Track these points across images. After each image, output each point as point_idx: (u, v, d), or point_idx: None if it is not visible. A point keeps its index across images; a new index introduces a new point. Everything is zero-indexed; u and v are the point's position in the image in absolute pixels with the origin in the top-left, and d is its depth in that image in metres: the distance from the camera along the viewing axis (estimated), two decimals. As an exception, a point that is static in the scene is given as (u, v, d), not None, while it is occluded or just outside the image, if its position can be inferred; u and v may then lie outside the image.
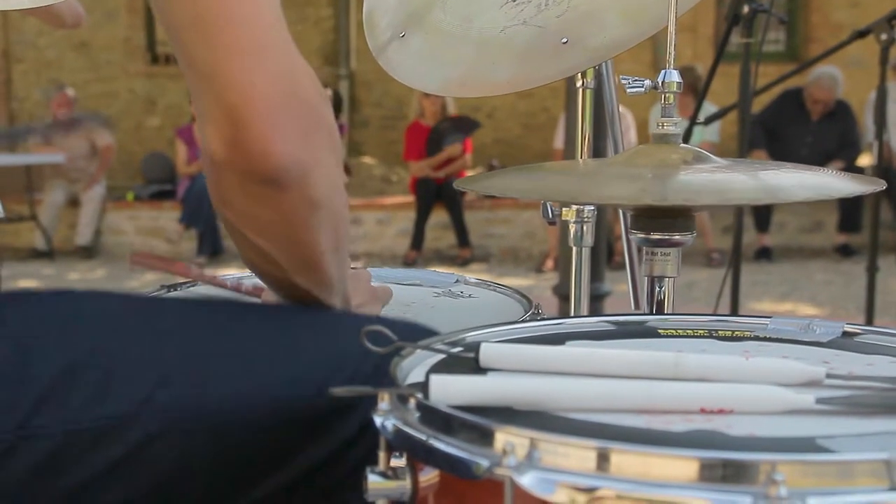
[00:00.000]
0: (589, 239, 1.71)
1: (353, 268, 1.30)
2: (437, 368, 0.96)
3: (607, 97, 1.72)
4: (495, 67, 1.51)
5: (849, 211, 8.01)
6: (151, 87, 11.22)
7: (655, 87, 1.26)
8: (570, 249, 1.73)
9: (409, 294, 1.54)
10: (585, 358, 0.94)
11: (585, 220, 1.68)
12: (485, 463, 0.75)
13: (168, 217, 9.05)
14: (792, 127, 8.16)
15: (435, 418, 0.81)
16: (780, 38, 11.17)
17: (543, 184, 1.26)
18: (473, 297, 1.54)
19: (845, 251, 8.13)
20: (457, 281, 1.62)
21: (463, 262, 8.27)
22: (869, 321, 3.46)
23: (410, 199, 8.71)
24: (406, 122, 9.23)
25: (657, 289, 1.29)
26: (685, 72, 7.91)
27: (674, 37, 1.23)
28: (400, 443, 0.83)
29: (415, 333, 1.05)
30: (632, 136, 7.73)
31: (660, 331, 1.11)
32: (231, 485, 1.02)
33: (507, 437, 0.75)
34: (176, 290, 1.54)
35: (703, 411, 0.84)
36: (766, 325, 1.11)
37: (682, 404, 0.85)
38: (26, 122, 10.33)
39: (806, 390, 0.87)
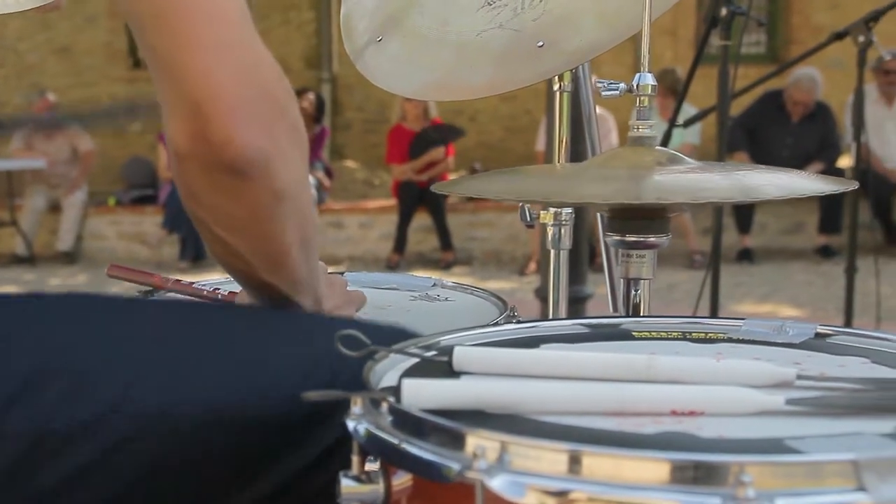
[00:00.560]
0: (567, 242, 1.71)
1: (329, 273, 1.30)
2: (411, 372, 0.96)
3: (584, 100, 1.72)
4: (472, 71, 1.52)
5: (829, 212, 8.04)
6: (133, 91, 11.18)
7: (630, 91, 1.27)
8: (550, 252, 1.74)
9: (386, 298, 1.54)
10: (558, 361, 0.94)
11: (563, 223, 1.69)
12: (456, 466, 0.75)
13: (150, 222, 9.02)
14: (772, 128, 8.19)
15: (407, 422, 0.82)
16: (760, 39, 11.21)
17: (519, 186, 1.27)
18: (450, 300, 1.54)
19: (826, 252, 8.16)
20: (434, 284, 1.62)
21: (446, 266, 8.27)
22: (848, 322, 3.47)
23: (393, 202, 8.71)
24: (388, 126, 9.23)
25: (633, 291, 1.30)
26: (665, 74, 7.98)
27: (648, 40, 1.24)
28: (372, 447, 0.84)
29: (391, 335, 1.05)
30: (613, 138, 7.75)
31: (634, 333, 1.12)
32: (206, 491, 1.01)
33: (478, 441, 0.76)
34: (154, 295, 1.54)
35: (673, 413, 0.85)
36: (740, 326, 1.11)
37: (653, 406, 0.85)
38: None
39: (776, 391, 0.87)
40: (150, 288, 1.51)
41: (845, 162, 8.34)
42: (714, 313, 3.28)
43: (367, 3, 1.68)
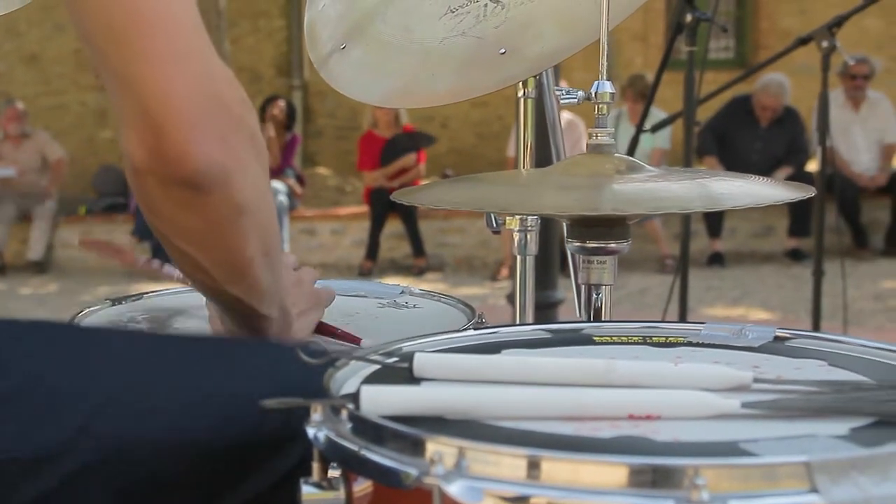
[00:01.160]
0: (533, 247, 1.72)
1: (296, 268, 1.30)
2: (371, 379, 0.96)
3: (548, 106, 1.73)
4: (435, 78, 1.52)
5: (799, 216, 8.09)
6: (103, 99, 11.11)
7: (589, 99, 1.28)
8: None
9: (354, 305, 1.54)
10: (517, 366, 0.95)
11: (529, 228, 1.69)
12: (414, 472, 0.75)
13: (122, 230, 8.97)
14: (741, 133, 8.24)
15: (366, 429, 0.82)
16: (729, 45, 11.29)
17: (480, 195, 1.27)
18: (418, 307, 1.55)
19: (795, 255, 8.21)
20: (402, 292, 1.63)
21: (418, 272, 8.27)
22: (815, 325, 3.50)
23: (365, 209, 8.70)
24: (360, 133, 9.22)
25: (594, 296, 1.31)
26: (635, 80, 8.02)
27: (606, 48, 1.25)
28: (332, 454, 0.84)
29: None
30: (583, 145, 7.74)
31: (595, 338, 1.12)
32: None
33: (436, 447, 0.76)
34: (121, 303, 1.54)
35: (631, 417, 0.85)
36: (700, 331, 1.12)
37: (611, 411, 0.86)
38: None
39: (733, 395, 0.88)
40: (116, 300, 1.51)
41: (814, 166, 8.40)
42: (682, 317, 3.30)
43: (330, 11, 1.69)
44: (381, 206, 8.38)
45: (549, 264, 3.99)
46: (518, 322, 1.75)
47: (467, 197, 1.25)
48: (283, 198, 8.46)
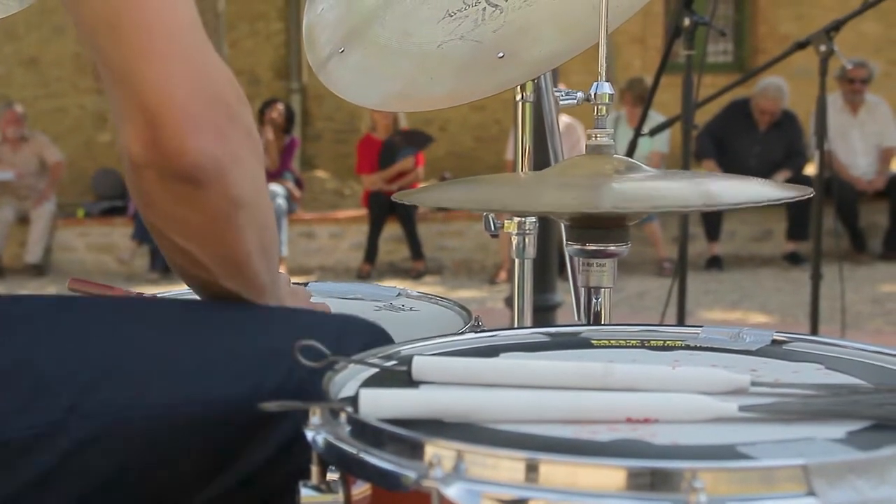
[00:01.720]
0: (531, 251, 1.72)
1: (293, 283, 1.30)
2: (370, 382, 0.97)
3: (546, 110, 1.73)
4: (434, 82, 1.53)
5: (797, 219, 8.09)
6: (101, 102, 11.12)
7: (588, 100, 1.28)
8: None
9: (351, 308, 1.54)
10: (515, 370, 0.95)
11: (527, 231, 1.70)
12: (412, 475, 0.75)
13: (120, 233, 8.98)
14: (740, 137, 8.25)
15: (365, 432, 0.82)
16: (728, 49, 11.30)
17: (479, 195, 1.27)
18: (415, 310, 1.55)
19: (794, 259, 8.22)
20: (399, 294, 1.63)
21: (416, 275, 8.27)
22: (814, 329, 3.50)
23: (363, 212, 8.71)
24: (358, 136, 9.23)
25: (594, 299, 1.31)
26: (633, 83, 8.02)
27: (605, 50, 1.25)
28: (331, 457, 0.84)
29: (350, 325, 1.06)
30: (581, 148, 7.75)
31: (593, 341, 1.12)
32: (167, 491, 1.02)
33: (434, 450, 0.76)
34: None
35: (628, 420, 0.85)
36: (698, 334, 1.13)
37: (609, 414, 0.86)
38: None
39: (730, 398, 0.88)
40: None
41: (813, 169, 8.40)
42: (681, 321, 3.30)
43: (328, 15, 1.69)
44: (380, 209, 8.38)
45: (548, 267, 3.98)
46: (516, 325, 1.75)
47: (467, 197, 1.25)
48: (281, 201, 8.46)
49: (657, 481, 0.72)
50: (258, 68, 11.15)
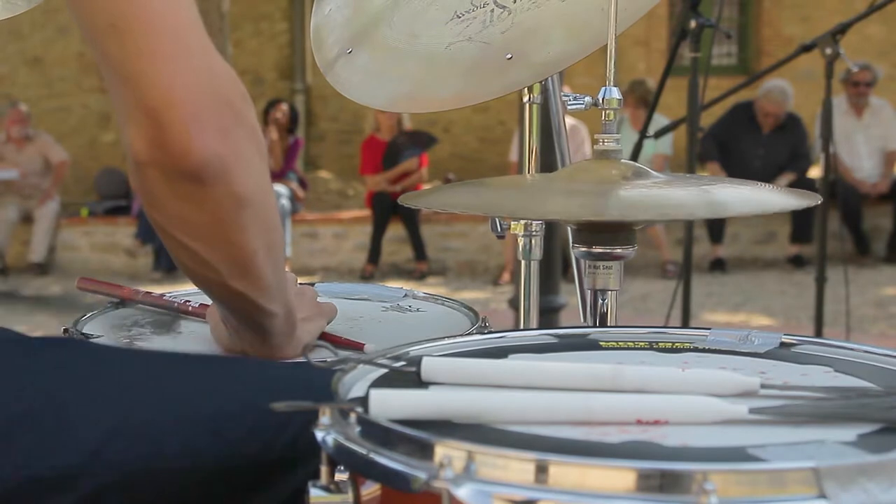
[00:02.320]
0: (538, 252, 1.72)
1: (299, 284, 1.31)
2: (380, 383, 0.97)
3: (554, 112, 1.73)
4: (441, 83, 1.52)
5: (801, 222, 8.09)
6: (105, 102, 11.12)
7: (596, 105, 1.28)
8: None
9: (357, 309, 1.54)
10: (525, 371, 0.95)
11: (534, 233, 1.69)
12: (423, 476, 0.76)
13: (123, 233, 8.98)
14: (744, 140, 8.25)
15: (375, 432, 0.82)
16: (732, 51, 11.30)
17: (486, 199, 1.27)
18: (421, 311, 1.55)
19: (797, 262, 8.21)
20: (405, 295, 1.63)
21: (420, 276, 8.27)
22: (818, 331, 3.50)
23: (367, 213, 8.71)
24: (362, 137, 9.23)
25: (600, 301, 1.31)
26: (637, 85, 8.02)
27: (614, 55, 1.25)
28: (341, 457, 0.84)
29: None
30: (586, 149, 7.77)
31: (601, 343, 1.12)
32: None
33: (444, 451, 0.76)
34: (124, 305, 1.54)
35: (639, 422, 0.85)
36: (706, 336, 1.13)
37: (619, 416, 0.86)
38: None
39: (740, 401, 0.88)
40: (120, 300, 1.51)
41: (816, 172, 8.40)
42: (685, 323, 3.30)
43: (336, 15, 1.69)
44: (384, 209, 8.39)
45: (552, 269, 3.99)
46: (523, 327, 1.75)
47: (474, 201, 1.25)
48: (285, 201, 8.46)
49: (667, 483, 0.72)
50: (262, 68, 11.16)
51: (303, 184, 9.29)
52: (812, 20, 10.54)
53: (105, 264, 8.93)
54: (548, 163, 1.77)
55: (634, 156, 3.32)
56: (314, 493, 0.86)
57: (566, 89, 1.70)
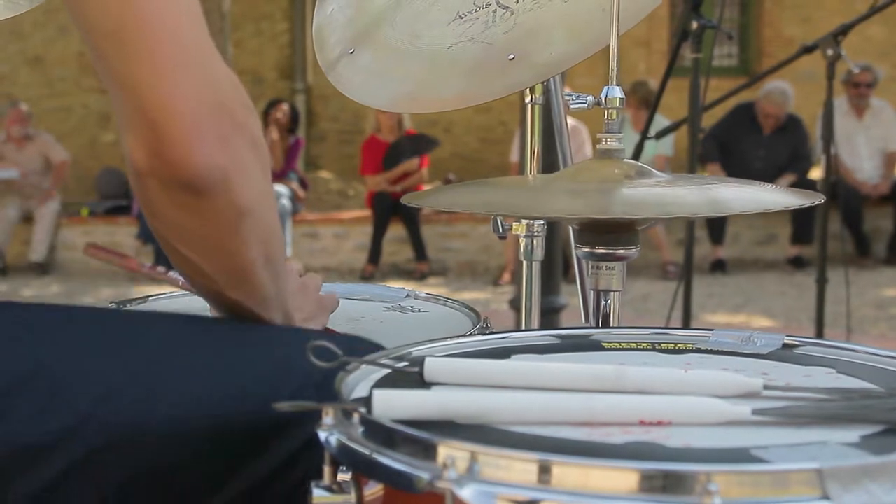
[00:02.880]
0: (539, 253, 1.72)
1: (301, 275, 1.30)
2: (382, 383, 0.97)
3: (555, 112, 1.73)
4: (443, 83, 1.52)
5: (801, 223, 8.09)
6: (106, 102, 11.12)
7: (599, 104, 1.28)
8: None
9: (359, 309, 1.55)
10: (528, 371, 0.95)
11: (535, 234, 1.70)
12: (426, 476, 0.76)
13: (124, 233, 8.98)
14: (745, 140, 8.25)
15: (378, 433, 0.82)
16: (733, 52, 11.30)
17: (489, 198, 1.27)
18: (423, 311, 1.55)
19: (798, 263, 8.21)
20: (407, 296, 1.63)
21: (420, 276, 8.27)
22: (819, 333, 3.50)
23: (367, 213, 8.71)
24: (363, 137, 9.23)
25: (603, 302, 1.31)
26: (638, 86, 8.02)
27: (617, 54, 1.25)
28: (344, 457, 0.84)
29: (356, 347, 1.06)
30: (587, 150, 7.78)
31: (604, 344, 1.12)
32: (178, 499, 1.02)
33: (448, 451, 0.76)
34: (126, 305, 1.54)
35: (642, 423, 0.86)
36: (708, 337, 1.13)
37: (622, 416, 0.86)
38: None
39: (743, 402, 0.88)
40: (125, 270, 1.50)
41: (817, 173, 8.40)
42: (686, 324, 3.30)
43: (338, 15, 1.69)
44: (384, 210, 8.39)
45: (553, 270, 3.99)
46: (525, 327, 1.75)
47: (478, 201, 1.25)
48: (285, 201, 8.46)
49: (670, 484, 0.72)
50: (263, 68, 11.16)
51: (303, 184, 9.29)
52: (813, 21, 10.54)
53: (105, 264, 8.90)
54: (549, 163, 1.78)
55: (636, 156, 3.32)
56: (317, 493, 0.86)
57: (567, 90, 1.70)
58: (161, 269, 1.44)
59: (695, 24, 3.01)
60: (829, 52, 3.22)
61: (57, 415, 0.95)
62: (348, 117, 11.06)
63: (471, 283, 8.14)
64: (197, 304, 1.47)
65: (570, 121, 7.59)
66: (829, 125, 3.38)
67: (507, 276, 7.83)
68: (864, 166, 8.50)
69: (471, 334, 1.18)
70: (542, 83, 1.66)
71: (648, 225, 1.33)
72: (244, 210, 1.01)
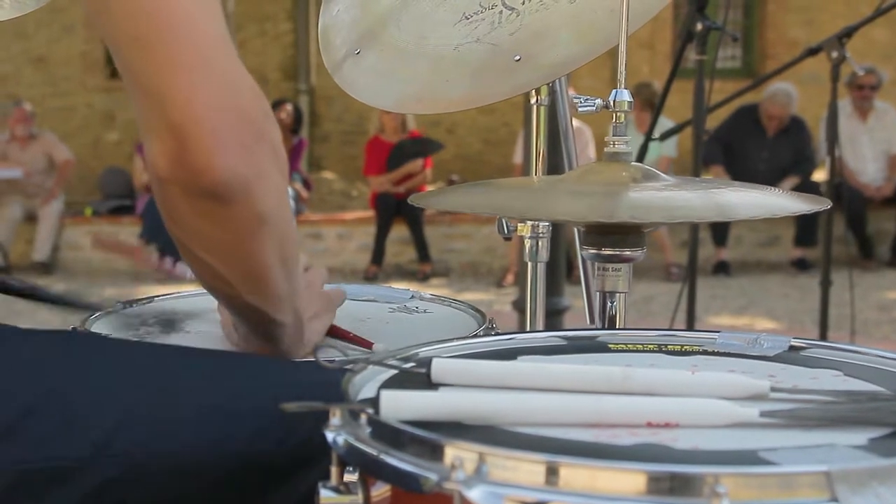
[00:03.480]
0: (544, 254, 1.72)
1: (307, 268, 1.30)
2: (389, 384, 0.97)
3: (561, 114, 1.73)
4: (449, 84, 1.52)
5: (805, 225, 8.09)
6: (110, 101, 11.15)
7: (607, 107, 1.28)
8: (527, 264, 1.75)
9: (364, 310, 1.54)
10: (535, 373, 0.95)
11: (540, 235, 1.69)
12: (434, 477, 0.75)
13: (127, 232, 8.98)
14: (748, 142, 8.25)
15: (385, 433, 0.82)
16: (736, 54, 11.29)
17: (495, 200, 1.27)
18: (428, 312, 1.55)
19: (801, 265, 8.21)
20: (412, 297, 1.63)
21: (423, 277, 8.27)
22: (823, 335, 3.50)
23: (371, 214, 8.71)
24: (366, 138, 9.23)
25: (609, 304, 1.31)
26: (641, 88, 8.02)
27: (624, 56, 1.25)
28: (351, 458, 0.84)
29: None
30: (590, 151, 7.78)
31: (610, 345, 1.12)
32: None
33: (455, 452, 0.76)
34: (132, 305, 1.54)
35: (649, 425, 0.85)
36: (715, 339, 1.12)
37: (629, 418, 0.86)
38: None
39: (750, 404, 0.88)
40: (132, 262, 1.50)
41: (820, 175, 8.40)
42: (690, 326, 3.30)
43: (344, 16, 1.69)
44: (387, 210, 8.39)
45: (556, 271, 3.99)
46: (529, 328, 1.75)
47: (484, 202, 1.25)
48: (290, 204, 8.46)
49: (678, 485, 0.72)
50: (266, 69, 11.16)
51: (307, 184, 9.30)
52: (816, 24, 10.54)
53: (108, 263, 8.92)
54: (554, 165, 1.77)
55: (639, 158, 3.32)
56: (324, 493, 0.86)
57: (571, 92, 1.70)
58: (168, 262, 1.44)
59: (699, 26, 3.02)
60: (834, 54, 3.22)
61: (71, 442, 0.95)
62: (352, 118, 11.06)
63: (473, 284, 8.14)
64: (202, 304, 1.47)
65: (574, 122, 7.58)
66: (834, 127, 3.38)
67: (510, 278, 7.84)
68: (867, 169, 8.50)
69: (477, 335, 1.18)
70: (548, 84, 1.66)
71: (654, 227, 1.32)
72: (264, 217, 1.01)
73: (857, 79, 7.82)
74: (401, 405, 0.85)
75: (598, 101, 1.32)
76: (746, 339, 1.11)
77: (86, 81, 11.19)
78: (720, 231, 8.20)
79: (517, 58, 1.47)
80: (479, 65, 1.51)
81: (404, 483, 0.79)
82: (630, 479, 0.73)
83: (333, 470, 0.87)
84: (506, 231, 1.69)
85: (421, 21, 1.59)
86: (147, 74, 0.95)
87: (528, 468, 0.74)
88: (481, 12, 1.54)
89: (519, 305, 4.18)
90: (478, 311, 1.50)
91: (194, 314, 1.48)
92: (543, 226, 1.68)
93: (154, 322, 1.45)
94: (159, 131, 0.95)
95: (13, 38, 10.96)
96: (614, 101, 1.28)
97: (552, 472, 0.74)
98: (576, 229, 1.66)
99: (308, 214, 9.10)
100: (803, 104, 8.51)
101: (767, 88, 8.13)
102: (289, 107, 9.22)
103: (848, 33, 3.23)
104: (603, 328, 1.30)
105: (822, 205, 1.21)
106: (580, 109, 1.32)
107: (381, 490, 0.86)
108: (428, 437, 0.78)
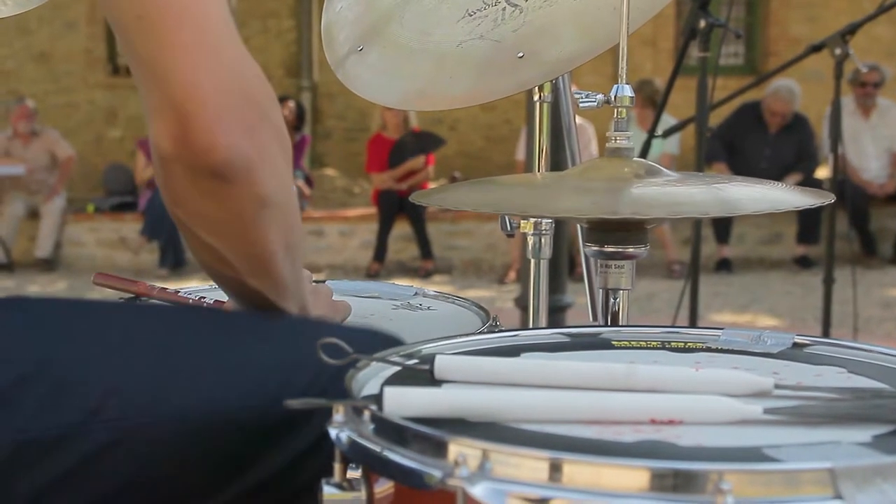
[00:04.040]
0: (547, 251, 1.72)
1: (314, 282, 1.31)
2: (393, 380, 0.97)
3: (564, 110, 1.73)
4: (452, 81, 1.52)
5: (807, 223, 8.09)
6: (112, 98, 11.16)
7: (608, 102, 1.28)
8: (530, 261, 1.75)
9: (368, 306, 1.54)
10: (538, 370, 0.95)
11: (543, 232, 1.69)
12: (437, 474, 0.75)
13: (129, 229, 8.99)
14: (750, 139, 8.24)
15: (389, 430, 0.82)
16: (739, 51, 11.28)
17: (498, 197, 1.27)
18: (432, 309, 1.55)
19: (804, 262, 8.21)
20: (415, 293, 1.63)
21: (426, 274, 8.27)
22: (825, 332, 3.50)
23: (373, 210, 8.71)
24: (369, 134, 9.23)
25: (612, 301, 1.31)
26: (644, 85, 8.01)
27: (626, 52, 1.25)
28: (355, 454, 0.84)
29: (373, 339, 1.06)
30: (593, 148, 7.78)
31: (613, 342, 1.12)
32: (186, 495, 1.02)
33: (459, 449, 0.76)
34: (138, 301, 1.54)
35: (653, 422, 0.85)
36: (718, 336, 1.12)
37: (633, 415, 0.86)
38: None
39: (754, 401, 0.88)
40: (135, 296, 1.51)
41: (823, 173, 8.40)
42: (693, 323, 3.30)
43: (347, 13, 1.69)
44: (390, 207, 8.39)
45: (559, 268, 3.99)
46: (533, 325, 1.75)
47: (487, 199, 1.25)
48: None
49: (682, 483, 0.72)
50: (269, 66, 11.15)
51: (309, 181, 9.30)
52: (819, 20, 10.53)
53: (111, 260, 8.94)
54: (556, 161, 1.77)
55: (643, 155, 3.32)
56: (327, 490, 0.86)
57: (574, 88, 1.69)
58: (171, 290, 1.45)
59: (703, 23, 3.01)
60: (837, 51, 3.21)
61: (65, 410, 0.95)
62: (354, 115, 11.06)
63: (476, 281, 8.14)
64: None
65: (577, 119, 7.58)
66: (837, 124, 3.38)
67: (512, 275, 7.83)
68: (870, 166, 8.49)
69: (480, 332, 1.18)
70: (551, 81, 1.66)
71: (658, 223, 1.32)
72: (266, 198, 1.02)
73: (860, 76, 7.82)
74: (404, 402, 0.85)
75: (600, 96, 1.32)
76: (750, 336, 1.11)
77: (88, 78, 11.19)
78: (722, 228, 8.20)
79: (520, 54, 1.47)
80: (482, 61, 1.51)
81: (408, 480, 0.79)
82: (634, 475, 0.73)
83: (337, 466, 0.87)
84: (508, 228, 1.69)
85: (424, 18, 1.59)
86: (152, 55, 0.96)
87: (531, 465, 0.74)
88: (484, 9, 1.54)
89: (521, 302, 4.18)
90: (481, 307, 1.50)
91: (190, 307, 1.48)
92: (546, 223, 1.68)
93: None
94: (163, 111, 0.96)
95: (16, 35, 10.96)
96: (615, 97, 1.28)
97: (555, 468, 0.74)
98: (578, 226, 1.66)
99: (310, 211, 9.10)
100: (806, 101, 8.50)
101: (770, 85, 8.12)
102: (291, 103, 9.23)
103: (851, 30, 3.23)
104: (606, 325, 1.30)
105: (824, 198, 1.21)
106: (581, 105, 1.32)
107: (384, 487, 0.85)
108: (431, 434, 0.78)
